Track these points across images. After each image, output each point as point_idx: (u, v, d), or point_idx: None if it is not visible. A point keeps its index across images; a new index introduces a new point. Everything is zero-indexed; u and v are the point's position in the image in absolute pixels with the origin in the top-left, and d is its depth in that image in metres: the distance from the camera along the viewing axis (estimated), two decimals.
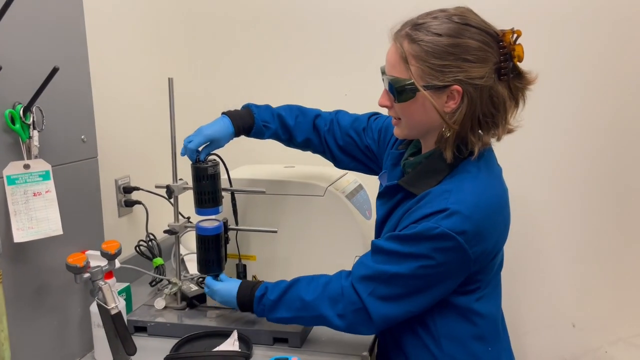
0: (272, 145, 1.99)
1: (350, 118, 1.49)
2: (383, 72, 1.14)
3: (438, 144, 1.13)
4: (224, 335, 1.31)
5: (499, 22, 1.12)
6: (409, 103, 1.09)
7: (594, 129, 1.83)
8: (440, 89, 1.06)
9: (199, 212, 1.37)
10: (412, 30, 1.07)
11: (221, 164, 1.42)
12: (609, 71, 1.78)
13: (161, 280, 1.60)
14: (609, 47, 1.77)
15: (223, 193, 1.41)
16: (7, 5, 0.98)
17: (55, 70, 1.06)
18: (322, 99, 1.92)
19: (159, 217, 1.75)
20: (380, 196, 1.26)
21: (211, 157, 1.39)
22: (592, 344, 1.93)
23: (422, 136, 1.18)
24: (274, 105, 1.50)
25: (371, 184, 1.79)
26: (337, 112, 1.52)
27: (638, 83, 1.77)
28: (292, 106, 1.50)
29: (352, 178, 1.74)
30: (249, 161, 1.95)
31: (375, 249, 1.16)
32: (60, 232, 1.12)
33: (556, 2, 1.78)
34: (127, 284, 1.48)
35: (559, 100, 1.82)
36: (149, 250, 1.66)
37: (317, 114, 1.49)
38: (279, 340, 1.33)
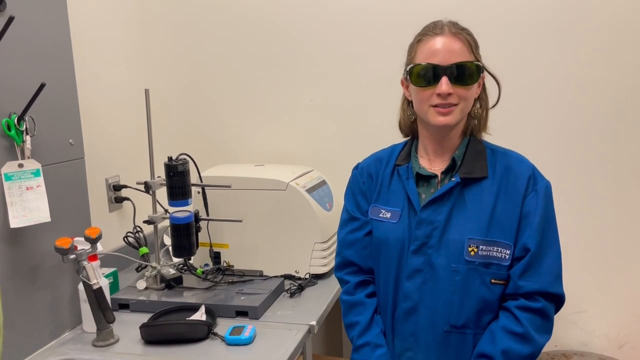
0: (247, 146, 2.20)
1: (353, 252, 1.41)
2: (439, 66, 1.20)
3: (467, 126, 1.29)
4: (194, 309, 1.52)
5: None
6: (473, 85, 1.23)
7: (590, 120, 1.85)
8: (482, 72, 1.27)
9: (171, 204, 1.59)
10: (459, 28, 1.24)
11: (191, 162, 1.63)
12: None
13: (146, 266, 1.81)
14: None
15: (194, 188, 1.62)
16: (3, 31, 1.21)
17: (42, 86, 1.28)
18: (290, 105, 2.14)
19: (147, 211, 1.96)
20: (438, 199, 1.25)
21: (182, 157, 1.60)
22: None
23: (460, 121, 1.27)
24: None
25: (335, 179, 1.99)
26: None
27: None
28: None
29: (317, 175, 1.94)
30: (226, 161, 2.16)
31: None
32: (49, 219, 1.34)
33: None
34: (114, 269, 1.70)
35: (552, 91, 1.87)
36: (136, 241, 1.87)
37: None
38: (240, 313, 1.53)
